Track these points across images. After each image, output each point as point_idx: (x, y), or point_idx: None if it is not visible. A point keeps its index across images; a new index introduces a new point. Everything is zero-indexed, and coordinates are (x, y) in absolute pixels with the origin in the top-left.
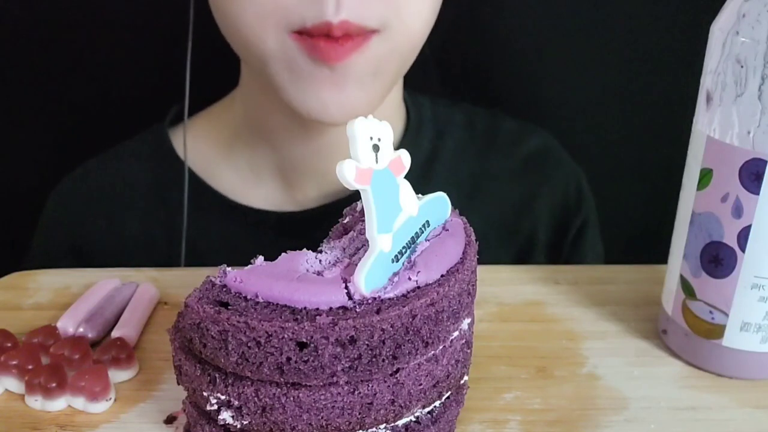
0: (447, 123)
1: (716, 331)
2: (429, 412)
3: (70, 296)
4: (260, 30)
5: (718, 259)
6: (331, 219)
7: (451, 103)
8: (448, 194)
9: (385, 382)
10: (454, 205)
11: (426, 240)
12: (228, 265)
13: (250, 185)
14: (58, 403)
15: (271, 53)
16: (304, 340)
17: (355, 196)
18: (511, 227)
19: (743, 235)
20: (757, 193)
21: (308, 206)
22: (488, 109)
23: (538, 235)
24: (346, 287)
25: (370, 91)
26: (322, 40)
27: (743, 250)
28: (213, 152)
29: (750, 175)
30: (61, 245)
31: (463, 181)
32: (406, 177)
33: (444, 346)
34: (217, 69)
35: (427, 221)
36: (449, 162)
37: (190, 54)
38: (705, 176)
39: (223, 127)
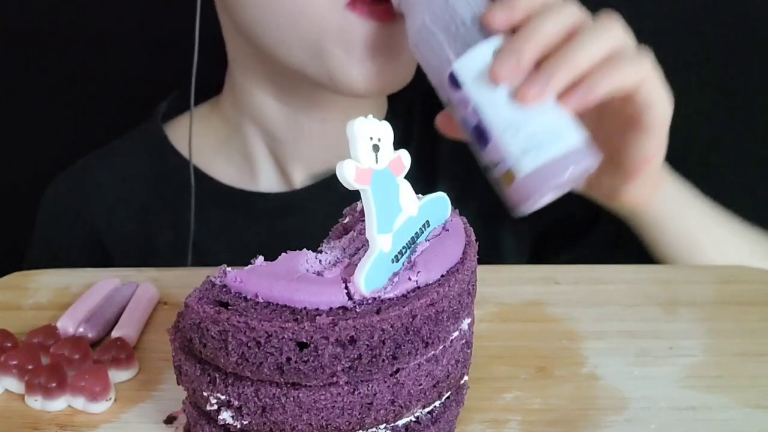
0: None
1: (509, 175)
2: (429, 412)
3: (70, 296)
4: (318, 6)
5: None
6: (318, 197)
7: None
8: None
9: (385, 382)
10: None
11: (426, 240)
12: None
13: (244, 173)
14: (58, 403)
15: (327, 30)
16: (304, 340)
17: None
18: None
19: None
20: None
21: (296, 186)
22: None
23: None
24: (346, 287)
25: (410, 59)
26: (377, 5)
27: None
28: (207, 146)
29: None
30: (70, 241)
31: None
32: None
33: (444, 346)
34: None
35: (427, 221)
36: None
37: (197, 50)
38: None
39: (215, 123)
